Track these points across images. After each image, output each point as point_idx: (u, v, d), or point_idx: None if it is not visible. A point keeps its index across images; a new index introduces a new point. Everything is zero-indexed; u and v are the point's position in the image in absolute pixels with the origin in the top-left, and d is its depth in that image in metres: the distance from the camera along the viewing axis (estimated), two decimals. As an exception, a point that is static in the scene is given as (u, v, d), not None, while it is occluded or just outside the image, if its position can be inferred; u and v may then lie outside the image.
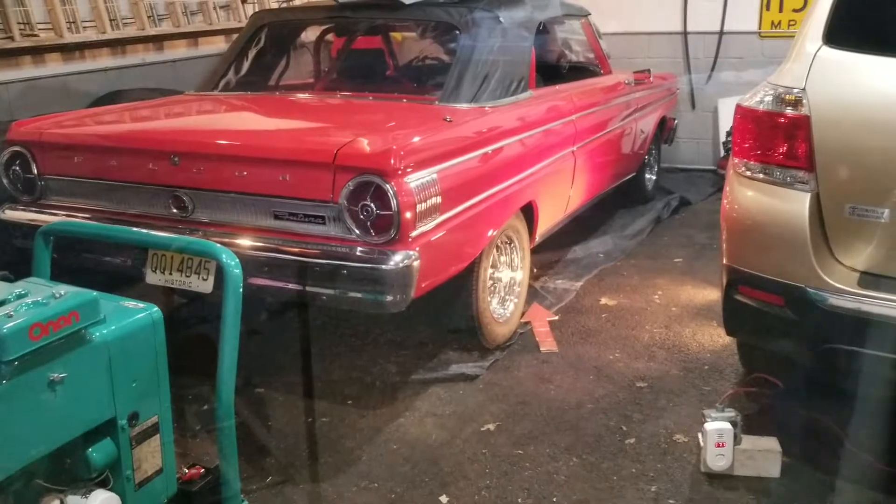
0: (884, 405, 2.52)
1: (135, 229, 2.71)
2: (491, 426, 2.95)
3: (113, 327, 1.73)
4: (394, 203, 2.70)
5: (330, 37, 4.88)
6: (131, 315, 1.78)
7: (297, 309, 3.71)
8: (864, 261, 2.35)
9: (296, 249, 2.86)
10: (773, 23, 6.31)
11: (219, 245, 2.04)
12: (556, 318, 3.90)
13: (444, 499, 2.54)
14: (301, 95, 4.17)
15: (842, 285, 2.31)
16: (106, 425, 1.75)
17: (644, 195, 5.93)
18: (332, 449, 2.81)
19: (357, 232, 2.78)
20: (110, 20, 5.18)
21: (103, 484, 1.77)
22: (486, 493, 2.57)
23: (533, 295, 4.07)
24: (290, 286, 2.87)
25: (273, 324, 3.79)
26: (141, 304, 1.83)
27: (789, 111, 2.39)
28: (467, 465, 2.71)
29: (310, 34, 4.70)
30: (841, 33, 2.44)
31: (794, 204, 2.40)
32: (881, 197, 2.28)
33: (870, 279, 2.32)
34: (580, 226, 4.95)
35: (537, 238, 3.95)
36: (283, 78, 4.42)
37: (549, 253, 4.64)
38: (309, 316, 3.68)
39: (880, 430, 2.73)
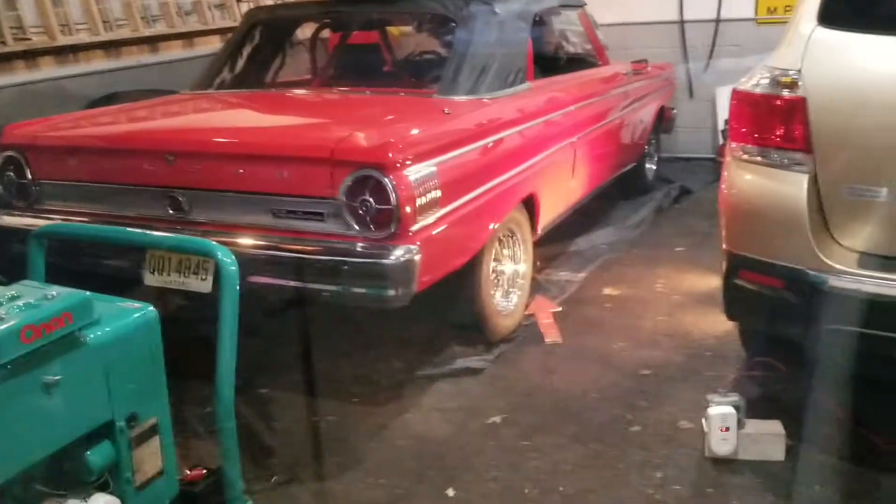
0: (886, 385, 2.50)
1: (128, 229, 2.69)
2: (497, 419, 2.94)
3: (108, 328, 1.72)
4: (393, 197, 2.68)
5: (325, 32, 4.87)
6: (127, 315, 1.77)
7: (299, 307, 3.70)
8: (863, 241, 2.33)
9: (296, 247, 2.85)
10: (769, 9, 6.28)
11: (213, 242, 2.03)
12: (560, 309, 3.88)
13: (451, 492, 2.53)
14: (298, 91, 4.16)
15: (841, 266, 2.30)
16: (104, 427, 1.73)
17: (645, 185, 5.91)
18: (338, 447, 2.80)
19: (357, 227, 2.76)
20: (103, 22, 5.17)
21: (103, 487, 1.76)
22: (494, 484, 2.56)
23: (536, 287, 4.06)
24: (292, 284, 2.86)
25: (276, 323, 3.78)
26: (136, 304, 1.82)
27: (786, 93, 2.37)
28: (474, 458, 2.70)
29: (305, 30, 4.68)
30: (835, 14, 2.42)
31: (792, 186, 2.38)
32: (878, 176, 2.26)
33: (869, 259, 2.31)
34: (582, 217, 4.93)
35: (539, 230, 3.93)
36: (280, 75, 4.41)
37: (552, 245, 4.62)
38: (312, 314, 3.67)
39: (883, 409, 2.73)
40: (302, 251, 2.83)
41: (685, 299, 3.96)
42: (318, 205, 2.81)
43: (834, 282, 2.27)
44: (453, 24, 3.80)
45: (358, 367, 3.38)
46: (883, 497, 2.41)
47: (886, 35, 2.34)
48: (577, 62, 4.93)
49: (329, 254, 2.79)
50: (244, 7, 6.29)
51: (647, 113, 5.57)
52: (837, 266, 2.30)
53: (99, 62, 5.12)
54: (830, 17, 2.42)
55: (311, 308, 3.48)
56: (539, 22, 4.36)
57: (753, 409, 2.68)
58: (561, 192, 4.18)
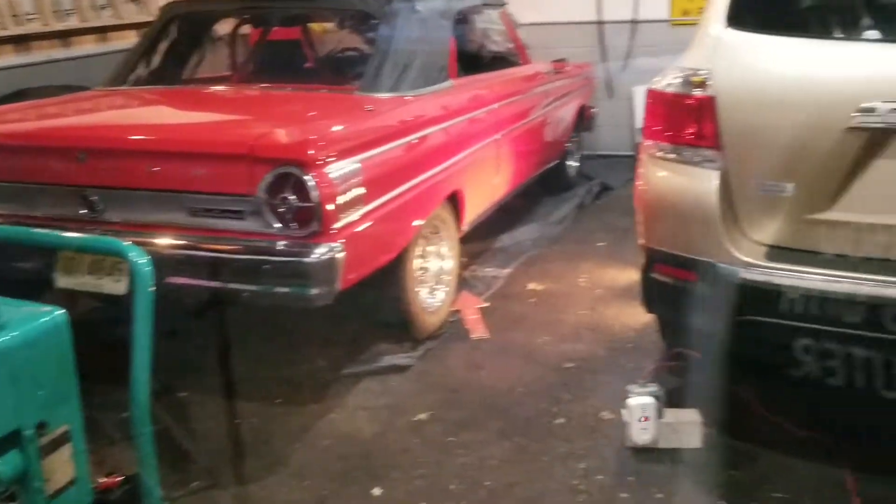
0: (795, 372, 2.62)
1: (35, 230, 2.57)
2: (423, 416, 2.94)
3: (14, 333, 1.64)
4: (314, 195, 2.66)
5: (246, 28, 4.78)
6: (34, 319, 1.69)
7: (220, 308, 3.62)
8: (771, 235, 2.42)
9: (214, 246, 2.79)
10: (683, 11, 6.48)
11: (125, 242, 1.96)
12: (486, 305, 3.92)
13: (376, 491, 2.53)
14: (216, 88, 4.07)
15: (751, 259, 2.38)
16: (11, 436, 1.65)
17: (567, 182, 6.01)
18: (261, 450, 2.76)
19: (278, 225, 2.72)
20: (12, 16, 4.95)
21: (11, 499, 1.68)
22: (420, 482, 2.56)
23: (462, 283, 4.08)
24: (211, 284, 2.80)
25: (195, 325, 3.68)
26: (45, 308, 1.74)
27: (696, 92, 2.45)
28: (400, 457, 2.70)
29: (224, 25, 4.58)
30: (743, 15, 2.51)
31: (704, 182, 2.45)
32: (785, 172, 2.35)
33: (777, 252, 2.40)
34: (506, 214, 4.98)
35: (465, 227, 3.95)
36: (198, 71, 4.30)
37: (478, 241, 4.66)
38: (233, 315, 3.60)
39: (793, 396, 2.83)
40: (221, 250, 2.78)
41: (607, 293, 4.06)
42: (237, 203, 2.76)
43: (744, 274, 2.36)
44: (375, 22, 3.79)
45: (281, 367, 3.33)
46: (795, 480, 2.51)
47: (791, 37, 2.45)
48: (499, 61, 4.98)
49: (249, 253, 2.74)
50: (160, 1, 6.11)
51: (568, 111, 5.67)
52: (747, 259, 2.38)
53: (8, 57, 4.91)
54: (738, 19, 2.51)
55: (231, 309, 3.41)
56: (461, 20, 4.39)
57: (672, 398, 2.76)
58: (485, 189, 4.21)
